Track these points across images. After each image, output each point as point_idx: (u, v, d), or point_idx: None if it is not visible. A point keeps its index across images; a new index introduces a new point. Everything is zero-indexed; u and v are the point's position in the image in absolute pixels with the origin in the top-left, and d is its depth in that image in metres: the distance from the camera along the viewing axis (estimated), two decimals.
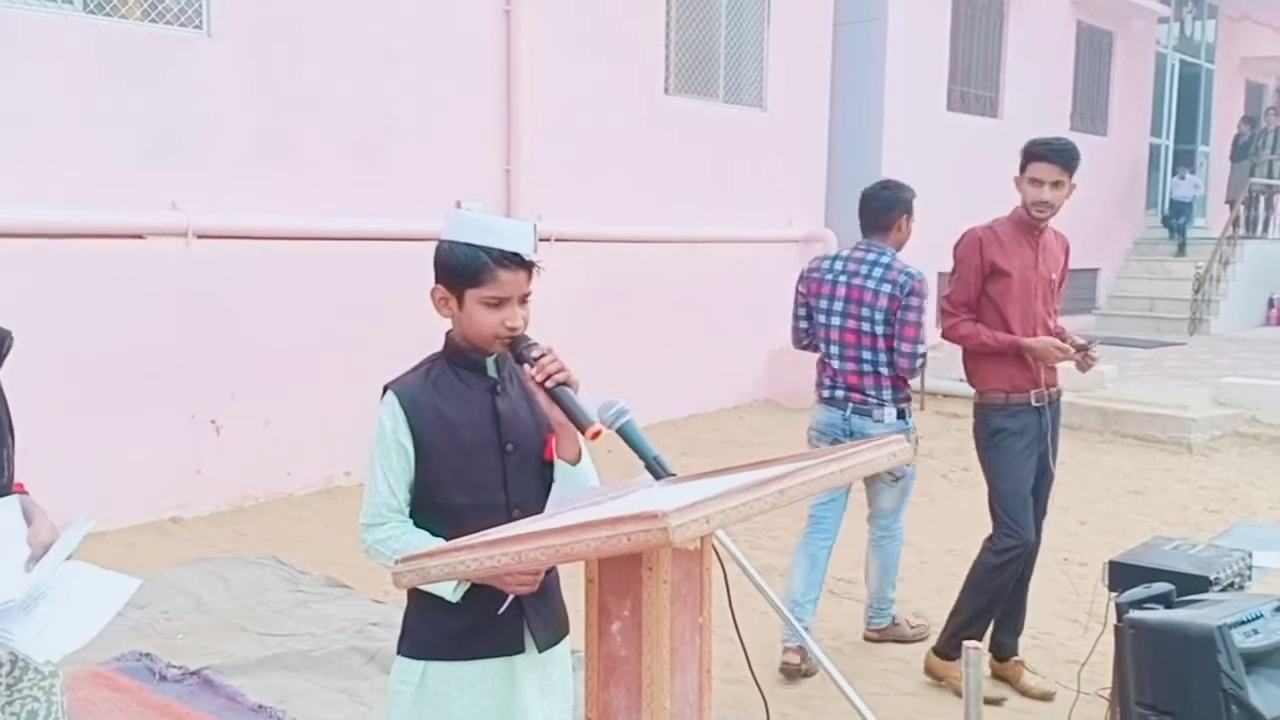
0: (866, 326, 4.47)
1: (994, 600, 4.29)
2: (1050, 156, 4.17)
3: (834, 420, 4.61)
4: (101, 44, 5.90)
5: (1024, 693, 4.36)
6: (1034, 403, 4.30)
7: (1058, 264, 4.43)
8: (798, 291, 4.72)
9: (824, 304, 4.58)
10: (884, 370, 4.48)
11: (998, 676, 4.40)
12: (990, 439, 4.31)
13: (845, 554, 6.07)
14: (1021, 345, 4.23)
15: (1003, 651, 4.45)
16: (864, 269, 4.52)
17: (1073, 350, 4.27)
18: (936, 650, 4.43)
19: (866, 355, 4.49)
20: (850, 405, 4.53)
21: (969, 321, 4.29)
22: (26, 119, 5.64)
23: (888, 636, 4.92)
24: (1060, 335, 4.39)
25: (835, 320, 4.54)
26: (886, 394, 4.49)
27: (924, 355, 4.52)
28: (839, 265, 4.58)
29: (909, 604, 5.31)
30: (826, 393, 4.64)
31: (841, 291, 4.53)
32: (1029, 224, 4.31)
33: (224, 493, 6.41)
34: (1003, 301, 4.27)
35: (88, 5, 5.86)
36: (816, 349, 4.69)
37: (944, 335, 4.41)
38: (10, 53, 5.58)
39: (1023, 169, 4.24)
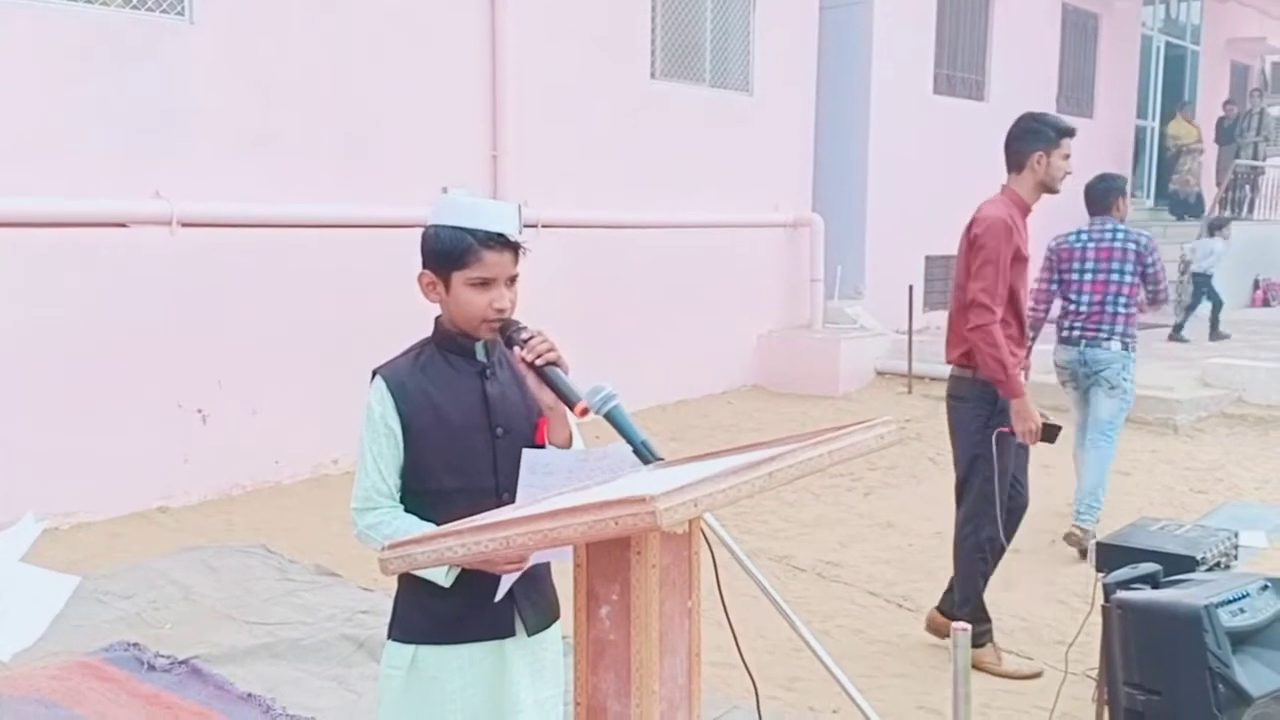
0: (1106, 277, 5.85)
1: (983, 580, 4.43)
2: (1074, 132, 4.41)
3: (1072, 355, 6.01)
4: (83, 31, 5.85)
5: (1012, 677, 4.39)
6: (1024, 380, 4.41)
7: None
8: (1046, 260, 6.08)
9: (1074, 265, 5.95)
10: (1122, 307, 5.83)
11: (975, 667, 4.32)
12: (995, 418, 4.32)
13: (831, 536, 6.11)
14: (1017, 404, 4.25)
15: (978, 638, 4.44)
16: (1103, 236, 5.91)
17: (1037, 436, 4.31)
18: (941, 610, 4.53)
19: (1108, 301, 5.84)
20: (1085, 340, 5.92)
21: (1001, 329, 4.25)
22: (7, 107, 5.59)
23: (1081, 542, 5.68)
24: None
25: (1087, 277, 5.91)
26: (1117, 327, 5.84)
27: (1166, 290, 6.12)
28: (1085, 238, 5.98)
29: (897, 586, 5.34)
30: (1066, 332, 6.02)
31: (1089, 253, 5.91)
32: (1027, 206, 4.41)
33: (212, 482, 6.39)
34: (1018, 286, 4.34)
35: None
36: (1046, 310, 6.18)
37: (973, 330, 4.25)
38: None
39: (1053, 145, 4.33)
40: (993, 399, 4.31)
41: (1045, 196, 4.49)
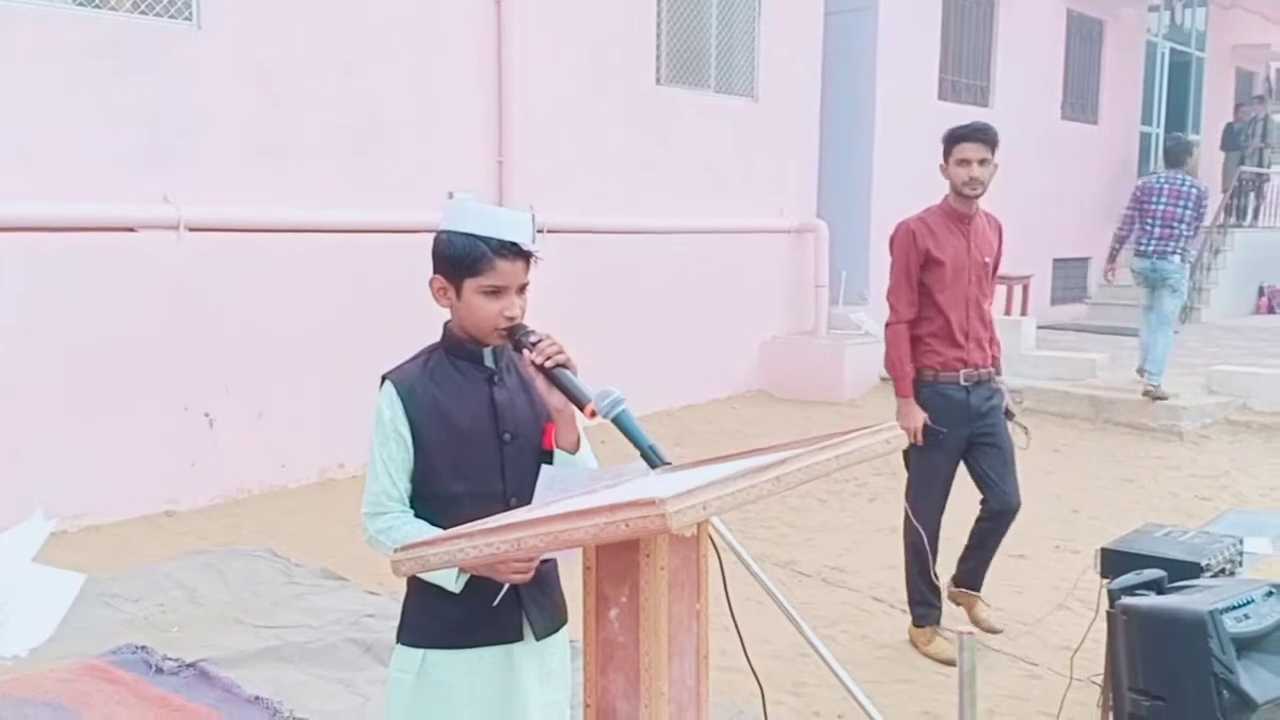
0: (1178, 210, 8.55)
1: (922, 565, 4.61)
2: (973, 135, 4.48)
3: (1146, 264, 8.74)
4: (91, 36, 5.87)
5: (975, 622, 4.69)
6: (962, 381, 4.53)
7: (991, 247, 4.65)
8: (1133, 196, 8.93)
9: (1152, 198, 8.66)
10: (1184, 232, 8.60)
11: (954, 601, 4.78)
12: (933, 417, 4.52)
13: (836, 541, 6.12)
14: (900, 402, 4.54)
15: (967, 580, 4.80)
16: (1177, 181, 8.66)
17: (919, 438, 4.48)
18: (912, 621, 4.77)
19: (1174, 226, 8.55)
20: (1155, 254, 8.66)
21: (906, 331, 4.53)
22: (15, 113, 5.62)
23: (1155, 393, 8.83)
24: (991, 326, 4.69)
25: (1160, 207, 8.59)
26: (1179, 245, 8.63)
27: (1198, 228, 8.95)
28: (1162, 180, 8.74)
29: (901, 592, 5.32)
30: (1142, 248, 8.74)
31: (1165, 191, 8.63)
32: (958, 212, 4.56)
33: (218, 485, 6.41)
34: (937, 288, 4.51)
35: None
36: (1127, 233, 9.00)
37: (885, 328, 4.64)
38: None
39: (948, 154, 4.52)
40: (916, 398, 4.53)
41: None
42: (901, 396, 4.53)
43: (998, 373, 4.66)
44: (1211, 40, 18.39)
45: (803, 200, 10.68)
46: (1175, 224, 8.56)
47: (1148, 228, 8.65)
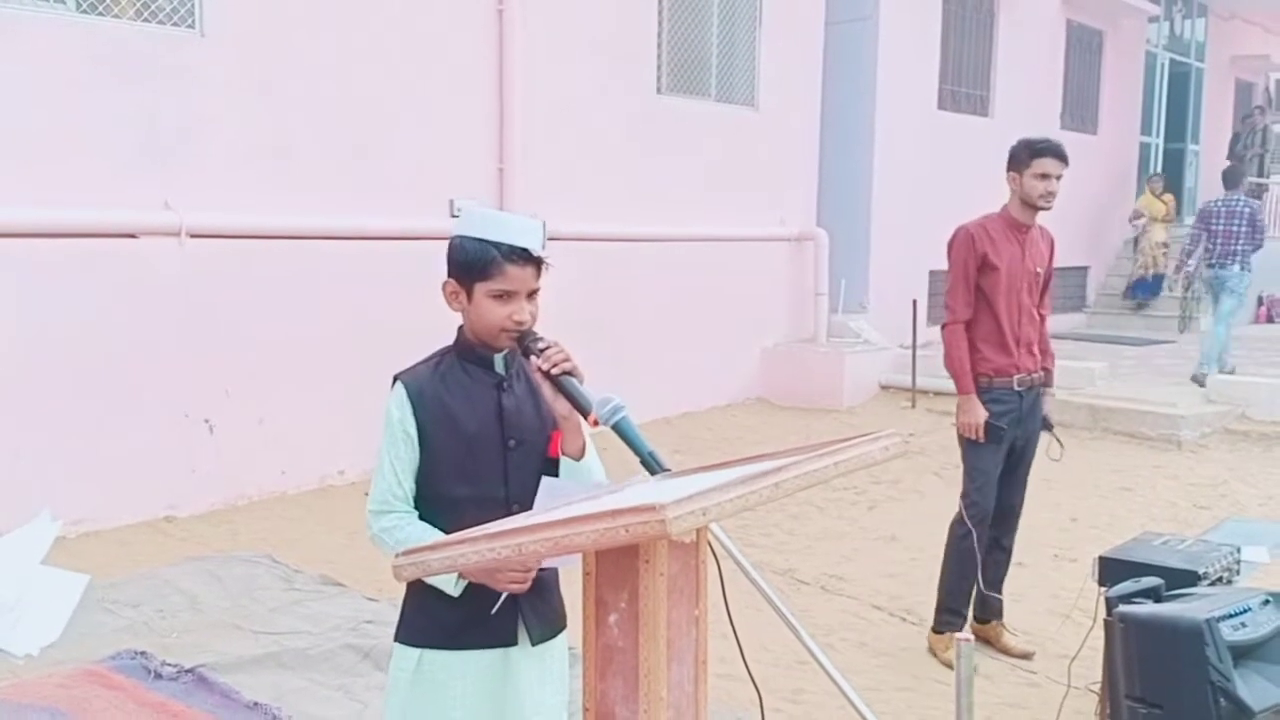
0: (1234, 228, 10.29)
1: (964, 568, 4.64)
2: (1055, 151, 4.60)
3: (1211, 274, 10.49)
4: (94, 43, 5.89)
5: (1005, 651, 4.70)
6: (1016, 387, 4.64)
7: (1043, 259, 4.76)
8: (1198, 217, 10.97)
9: (1213, 219, 10.44)
10: (1240, 249, 10.29)
11: (979, 638, 4.66)
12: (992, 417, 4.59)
13: (835, 549, 6.12)
14: (962, 399, 4.62)
15: (983, 614, 4.80)
16: (1232, 202, 10.45)
17: (980, 434, 4.57)
18: (933, 627, 4.78)
19: (1232, 243, 10.29)
20: (1219, 265, 10.38)
21: (963, 330, 4.62)
22: (18, 118, 5.63)
23: (1201, 381, 9.79)
24: (1044, 333, 4.82)
25: (1220, 226, 10.36)
26: (1238, 258, 10.30)
27: (1263, 239, 10.50)
28: (1219, 204, 10.53)
29: (901, 600, 5.35)
30: (1210, 262, 10.49)
31: (1221, 213, 10.41)
32: (1017, 221, 4.65)
33: (218, 491, 6.41)
34: (992, 294, 4.60)
35: (80, 4, 5.86)
36: (1196, 246, 10.77)
37: (943, 328, 4.73)
38: (1, 52, 5.58)
39: (1024, 165, 4.58)
40: (988, 400, 4.59)
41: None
42: (963, 393, 4.61)
43: (1047, 383, 4.78)
44: (1211, 51, 18.43)
45: (803, 209, 10.70)
46: (1233, 240, 10.29)
47: (1212, 244, 10.37)
